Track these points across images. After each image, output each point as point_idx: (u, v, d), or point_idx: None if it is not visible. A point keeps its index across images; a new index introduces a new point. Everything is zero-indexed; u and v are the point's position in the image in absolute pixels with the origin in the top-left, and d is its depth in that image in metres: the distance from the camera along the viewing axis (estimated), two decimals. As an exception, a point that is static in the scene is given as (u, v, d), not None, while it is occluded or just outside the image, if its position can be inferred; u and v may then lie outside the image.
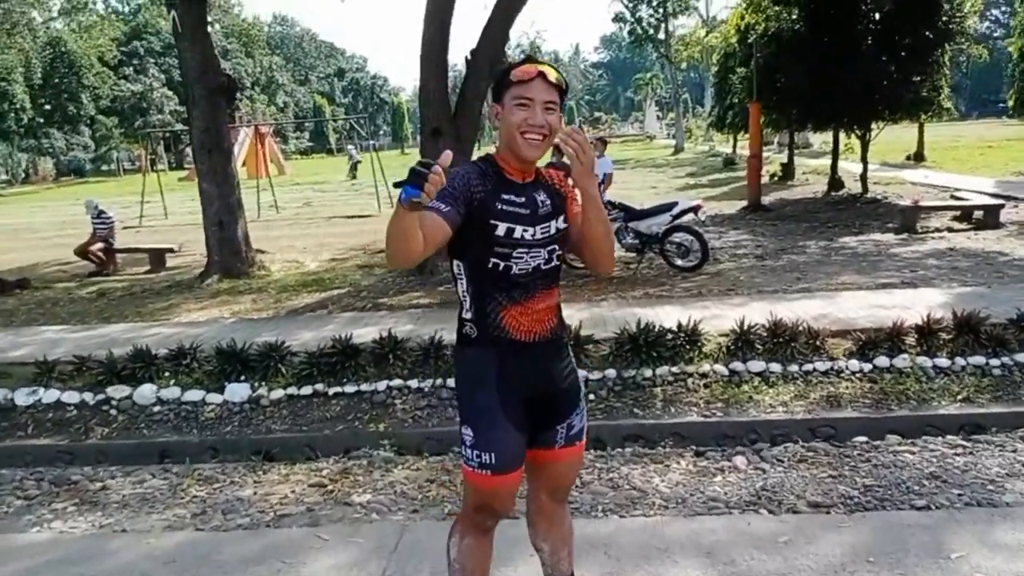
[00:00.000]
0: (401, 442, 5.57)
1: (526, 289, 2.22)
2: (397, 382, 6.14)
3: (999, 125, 48.09)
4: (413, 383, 6.13)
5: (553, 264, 2.29)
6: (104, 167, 62.58)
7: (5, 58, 47.92)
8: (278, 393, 6.19)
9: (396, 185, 1.87)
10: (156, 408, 6.20)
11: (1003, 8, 75.29)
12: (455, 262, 2.25)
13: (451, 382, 6.09)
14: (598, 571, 2.88)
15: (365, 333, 7.01)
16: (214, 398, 6.21)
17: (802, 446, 4.39)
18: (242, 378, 6.34)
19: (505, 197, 2.19)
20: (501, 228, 2.16)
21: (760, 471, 4.00)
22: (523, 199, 2.21)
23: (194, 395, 6.26)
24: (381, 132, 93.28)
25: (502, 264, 2.19)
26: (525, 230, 2.19)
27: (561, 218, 2.28)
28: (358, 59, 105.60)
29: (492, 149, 2.34)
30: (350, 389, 6.16)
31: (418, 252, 2.00)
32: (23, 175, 58.52)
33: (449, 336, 6.53)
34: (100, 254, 12.98)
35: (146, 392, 6.30)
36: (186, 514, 3.85)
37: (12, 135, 52.99)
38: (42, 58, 53.21)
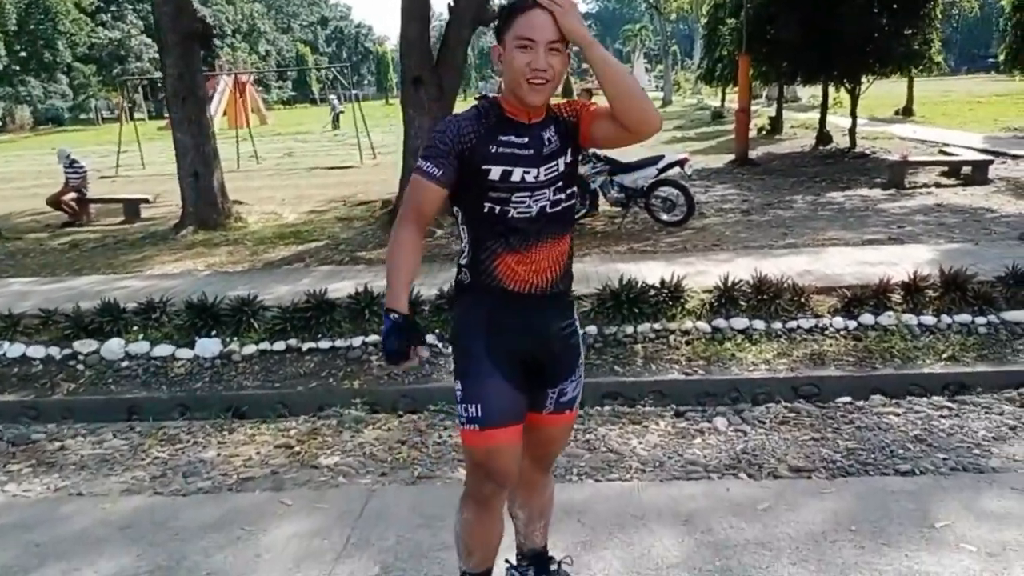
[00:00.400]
0: (375, 399, 5.44)
1: (526, 236, 2.07)
2: (373, 338, 5.98)
3: (988, 80, 47.79)
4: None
5: (562, 207, 2.13)
6: (83, 116, 61.31)
7: (-23, 2, 46.57)
8: (250, 348, 6.03)
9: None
10: (124, 363, 6.04)
11: (996, -39, 74.49)
12: (454, 207, 2.14)
13: (430, 338, 5.95)
14: (571, 539, 2.76)
15: (342, 287, 6.83)
16: (184, 353, 6.04)
17: (784, 407, 4.28)
18: (213, 333, 6.17)
19: (503, 139, 2.06)
20: (495, 171, 2.04)
21: (740, 433, 3.88)
22: (526, 139, 2.07)
23: (163, 350, 6.09)
24: (365, 82, 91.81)
25: (498, 208, 2.06)
26: (526, 172, 2.05)
27: (569, 151, 2.13)
28: (342, 7, 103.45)
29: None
30: (324, 345, 6.01)
31: (423, 236, 2.11)
32: (0, 123, 57.32)
33: (427, 292, 6.42)
34: (73, 204, 12.65)
35: (114, 347, 6.12)
36: (146, 476, 3.71)
37: (-14, 82, 51.77)
38: (16, 3, 51.73)
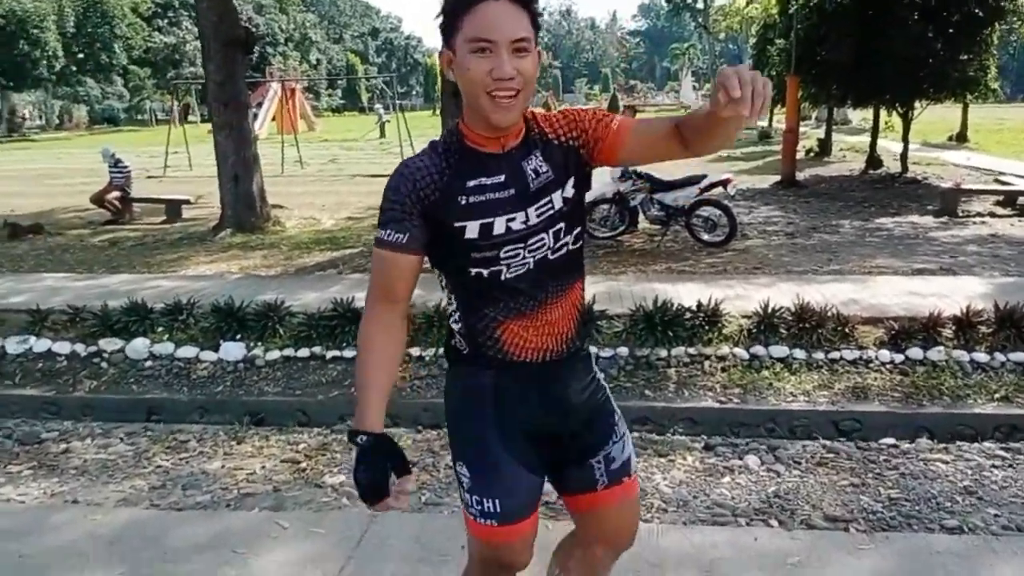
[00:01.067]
0: (397, 411, 5.28)
1: (530, 296, 1.67)
2: (398, 349, 5.83)
3: (1048, 110, 46.53)
4: (415, 351, 5.83)
5: (567, 250, 1.69)
6: (138, 117, 62.71)
7: (39, 5, 47.82)
8: (274, 354, 5.92)
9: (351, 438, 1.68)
10: (148, 363, 5.97)
11: (1060, -12, 72.76)
12: (436, 271, 1.74)
13: (416, 351, 5.79)
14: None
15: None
16: (208, 356, 5.96)
17: (823, 445, 4.01)
18: (238, 337, 6.08)
19: (472, 184, 1.61)
20: (472, 228, 1.61)
21: (774, 473, 3.64)
22: (502, 176, 1.62)
23: (188, 352, 6.01)
24: (414, 92, 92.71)
25: (487, 272, 1.64)
26: (511, 219, 1.61)
27: (570, 183, 1.67)
28: (393, 19, 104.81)
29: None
30: (348, 354, 5.87)
31: (405, 315, 1.75)
32: (57, 121, 58.80)
33: (422, 305, 6.25)
34: (116, 202, 12.78)
35: (139, 346, 6.06)
36: (145, 486, 3.58)
37: (45, 82, 53.06)
38: (75, 6, 53.07)
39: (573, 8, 68.94)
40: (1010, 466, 3.68)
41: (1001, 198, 12.29)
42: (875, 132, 17.15)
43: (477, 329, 1.71)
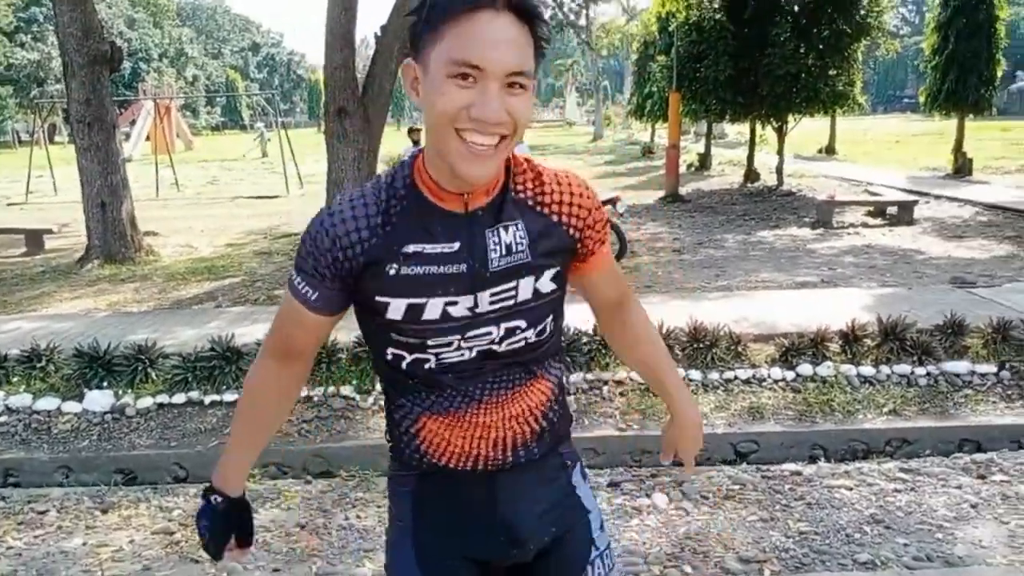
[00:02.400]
0: (283, 460, 4.96)
1: (457, 392, 1.29)
2: (283, 390, 5.49)
3: (904, 120, 49.71)
4: (302, 391, 5.49)
5: (525, 343, 1.31)
6: (-2, 138, 58.83)
7: None
8: (146, 402, 5.46)
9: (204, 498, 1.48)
10: (2, 419, 5.40)
11: (909, 6, 78.08)
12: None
13: (346, 390, 5.50)
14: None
15: (253, 331, 6.33)
16: (71, 407, 5.44)
17: (728, 476, 3.95)
18: (105, 384, 5.59)
19: (411, 250, 1.22)
20: (396, 307, 1.23)
21: (682, 511, 3.54)
22: (455, 245, 1.23)
23: (48, 403, 5.48)
24: (298, 110, 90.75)
25: (409, 357, 1.28)
26: (451, 303, 1.23)
27: (548, 275, 1.29)
28: (274, 34, 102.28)
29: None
30: (230, 397, 5.48)
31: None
32: (-97, 144, 54.45)
33: (346, 337, 5.95)
34: (-32, 235, 11.79)
35: (-10, 400, 5.49)
36: (-9, 575, 3.16)
37: None
38: (-75, 19, 49.45)
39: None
40: (912, 489, 3.71)
41: (872, 208, 12.88)
42: (752, 146, 17.77)
43: (395, 419, 1.37)
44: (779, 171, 16.37)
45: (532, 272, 1.27)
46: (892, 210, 12.44)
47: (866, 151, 25.73)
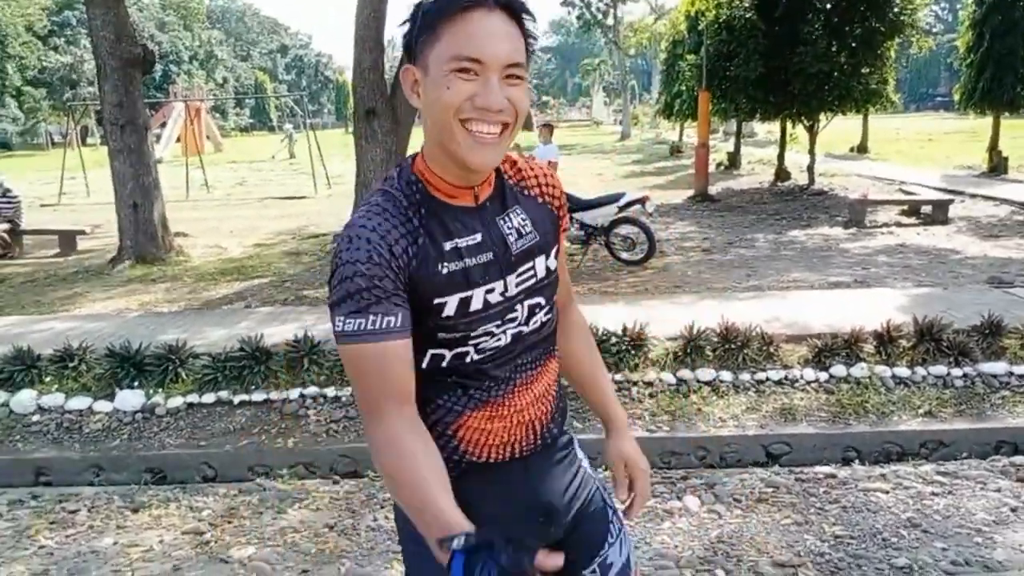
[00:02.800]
0: (312, 459, 4.97)
1: (496, 379, 1.34)
2: (312, 390, 5.51)
3: (937, 119, 48.95)
4: (330, 391, 5.50)
5: (540, 322, 1.39)
6: (33, 140, 59.77)
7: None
8: (176, 401, 5.50)
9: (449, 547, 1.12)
10: (35, 418, 5.46)
11: (942, 3, 76.99)
12: None
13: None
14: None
15: (282, 331, 6.35)
16: (102, 406, 5.49)
17: (760, 479, 3.88)
18: (136, 384, 5.64)
19: (449, 247, 1.26)
20: (451, 304, 1.27)
21: (715, 514, 3.48)
22: (478, 235, 1.29)
23: (80, 403, 5.53)
24: (326, 111, 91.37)
25: (450, 354, 1.30)
26: (490, 291, 1.29)
27: (554, 251, 1.41)
28: (302, 36, 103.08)
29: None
30: (258, 397, 5.51)
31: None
32: (-58, 147, 55.59)
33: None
34: (5, 236, 11.97)
35: (24, 399, 5.55)
36: (25, 573, 3.17)
37: (-70, 104, 50.20)
38: (-39, 24, 50.47)
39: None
40: (949, 492, 3.62)
41: (906, 207, 12.67)
42: (783, 145, 17.57)
43: (429, 425, 1.31)
44: (810, 170, 16.17)
45: (543, 251, 1.37)
46: (926, 209, 12.23)
47: (899, 149, 25.35)
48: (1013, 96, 15.95)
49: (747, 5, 14.90)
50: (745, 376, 5.60)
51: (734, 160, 21.57)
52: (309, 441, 5.06)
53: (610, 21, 43.30)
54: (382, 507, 3.71)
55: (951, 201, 12.40)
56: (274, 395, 5.49)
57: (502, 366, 1.34)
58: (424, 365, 1.30)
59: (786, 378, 5.60)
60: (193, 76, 65.05)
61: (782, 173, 17.29)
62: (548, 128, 10.89)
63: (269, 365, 5.68)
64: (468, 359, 1.31)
